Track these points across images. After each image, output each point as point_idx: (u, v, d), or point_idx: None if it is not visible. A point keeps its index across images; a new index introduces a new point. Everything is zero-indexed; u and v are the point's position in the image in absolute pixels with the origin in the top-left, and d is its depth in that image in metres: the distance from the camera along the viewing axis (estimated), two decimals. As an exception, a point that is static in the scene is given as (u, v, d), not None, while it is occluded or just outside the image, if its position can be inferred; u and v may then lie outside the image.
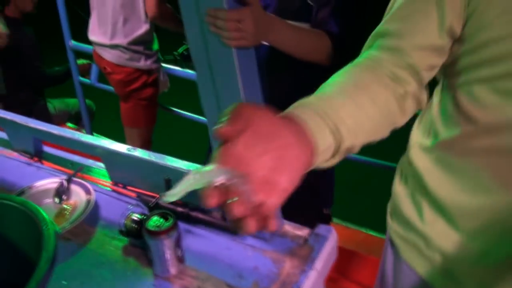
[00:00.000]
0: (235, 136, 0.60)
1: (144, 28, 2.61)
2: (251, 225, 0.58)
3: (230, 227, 1.24)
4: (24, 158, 1.67)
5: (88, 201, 1.33)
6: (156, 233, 1.05)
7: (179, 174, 1.27)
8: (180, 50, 2.81)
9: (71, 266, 1.17)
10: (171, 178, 1.25)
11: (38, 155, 1.67)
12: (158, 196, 1.28)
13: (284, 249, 1.18)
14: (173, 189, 0.59)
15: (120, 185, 1.43)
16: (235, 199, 0.56)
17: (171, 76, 2.94)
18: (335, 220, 1.86)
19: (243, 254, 1.19)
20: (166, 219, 1.08)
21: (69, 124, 3.69)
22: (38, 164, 1.63)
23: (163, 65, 2.83)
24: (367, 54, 0.92)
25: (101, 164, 1.52)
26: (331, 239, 1.20)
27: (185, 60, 2.80)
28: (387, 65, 0.87)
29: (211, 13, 0.99)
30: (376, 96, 0.81)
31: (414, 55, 0.88)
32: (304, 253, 1.16)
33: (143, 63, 2.69)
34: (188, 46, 2.70)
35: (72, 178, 1.42)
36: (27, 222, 0.97)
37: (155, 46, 2.72)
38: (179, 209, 1.27)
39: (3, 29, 3.11)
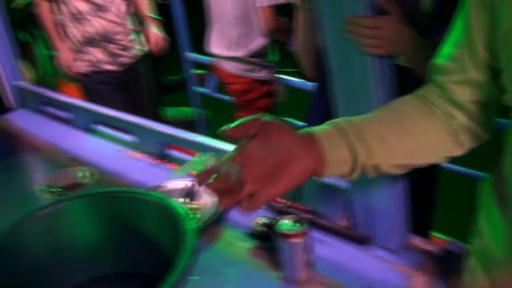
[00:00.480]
0: (243, 138, 0.77)
1: (261, 41, 2.65)
2: (224, 200, 0.75)
3: (357, 236, 1.22)
4: (150, 160, 1.74)
5: (216, 203, 1.35)
6: (288, 236, 1.05)
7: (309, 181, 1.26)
8: None
9: (201, 262, 1.19)
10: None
11: (164, 157, 1.73)
12: (286, 201, 1.28)
13: (413, 263, 1.14)
14: (179, 169, 0.76)
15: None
16: (214, 176, 0.74)
17: (287, 86, 2.96)
18: (434, 233, 1.75)
19: (371, 265, 1.15)
20: (297, 223, 1.07)
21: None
22: (165, 166, 1.69)
23: (280, 75, 2.86)
24: (426, 85, 0.93)
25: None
26: (461, 257, 1.15)
27: None
28: (436, 98, 0.88)
29: (351, 20, 0.98)
30: (419, 124, 0.85)
31: (456, 91, 0.85)
32: (435, 269, 1.12)
33: (261, 74, 2.73)
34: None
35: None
36: (165, 217, 1.00)
37: (274, 57, 2.75)
38: (306, 215, 1.26)
39: (160, 32, 3.16)
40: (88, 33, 2.85)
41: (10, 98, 2.55)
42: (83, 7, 2.79)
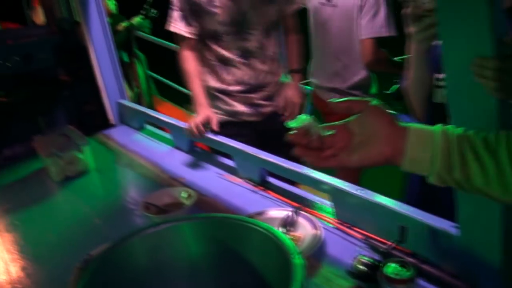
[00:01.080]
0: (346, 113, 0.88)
1: (362, 74, 2.62)
2: (298, 150, 0.87)
3: (461, 286, 1.16)
4: (249, 186, 1.74)
5: (316, 236, 1.33)
6: (396, 281, 1.01)
7: (414, 222, 1.22)
8: (392, 89, 2.77)
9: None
10: (407, 226, 1.21)
11: (263, 184, 1.73)
12: (390, 243, 1.24)
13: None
14: (292, 121, 0.88)
15: (346, 224, 1.42)
16: (294, 132, 0.87)
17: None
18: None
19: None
20: (404, 268, 1.03)
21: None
22: (263, 193, 1.69)
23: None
24: None
25: (325, 201, 1.53)
26: None
27: (397, 99, 2.76)
28: None
29: (478, 62, 0.94)
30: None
31: None
32: None
33: (359, 107, 2.69)
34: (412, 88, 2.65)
35: (299, 211, 1.45)
36: (272, 248, 0.99)
37: (373, 89, 2.72)
38: (409, 259, 1.21)
39: (300, 96, 2.41)
40: (232, 81, 2.30)
41: (113, 114, 2.65)
42: (231, 53, 2.26)
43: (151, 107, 4.73)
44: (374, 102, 0.87)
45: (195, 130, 2.02)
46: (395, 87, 2.76)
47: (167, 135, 2.32)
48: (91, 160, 2.08)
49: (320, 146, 0.87)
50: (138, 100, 4.75)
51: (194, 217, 1.12)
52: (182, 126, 2.10)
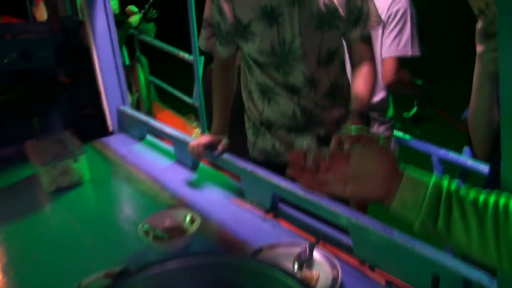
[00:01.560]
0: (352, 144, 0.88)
1: (381, 95, 2.48)
2: (292, 171, 0.90)
3: None
4: (258, 212, 1.60)
5: (335, 279, 1.19)
6: None
7: (445, 270, 1.10)
8: (411, 113, 2.66)
9: None
10: (439, 275, 1.07)
11: (274, 212, 1.60)
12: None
13: None
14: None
15: (367, 264, 1.28)
16: (293, 152, 0.90)
17: (404, 147, 2.73)
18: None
19: None
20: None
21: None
22: (274, 221, 1.55)
23: (398, 133, 2.68)
24: None
25: (344, 236, 1.40)
26: None
27: (416, 123, 2.65)
28: None
29: None
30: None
31: None
32: None
33: (376, 129, 2.55)
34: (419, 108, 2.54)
35: (315, 246, 1.31)
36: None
37: (390, 112, 2.58)
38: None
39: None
40: (274, 113, 1.88)
41: (112, 121, 2.52)
42: (275, 84, 1.84)
43: (150, 113, 4.60)
44: (382, 141, 0.89)
45: (196, 149, 1.86)
46: (414, 110, 2.65)
47: (169, 148, 2.17)
48: (86, 171, 1.93)
49: (315, 169, 0.89)
50: (137, 105, 4.62)
51: (206, 256, 0.97)
52: (187, 140, 1.96)
